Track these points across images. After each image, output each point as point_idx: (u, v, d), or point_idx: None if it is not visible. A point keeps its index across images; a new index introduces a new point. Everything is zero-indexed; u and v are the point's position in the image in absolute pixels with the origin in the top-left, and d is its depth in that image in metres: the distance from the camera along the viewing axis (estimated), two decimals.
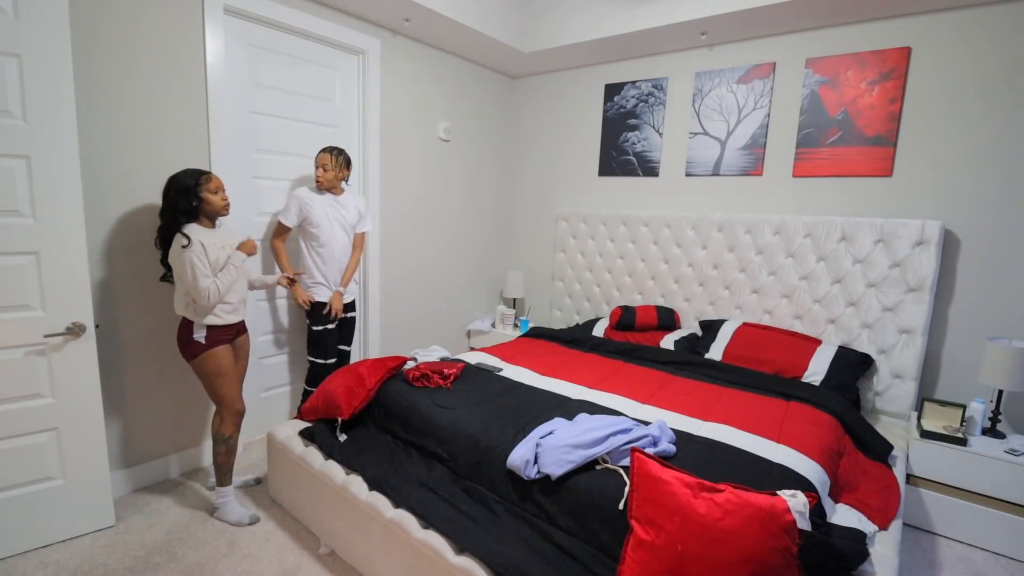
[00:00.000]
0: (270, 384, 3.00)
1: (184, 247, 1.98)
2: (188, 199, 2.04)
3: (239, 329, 2.26)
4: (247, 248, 2.21)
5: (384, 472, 1.93)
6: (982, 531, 2.21)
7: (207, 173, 2.10)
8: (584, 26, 3.28)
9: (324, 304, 2.69)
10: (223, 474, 2.21)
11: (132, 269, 2.30)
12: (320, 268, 2.69)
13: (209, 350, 2.11)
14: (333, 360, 2.78)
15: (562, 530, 1.59)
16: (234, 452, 2.23)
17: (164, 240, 2.08)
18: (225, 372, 2.15)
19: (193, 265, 1.98)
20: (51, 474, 1.99)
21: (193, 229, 2.04)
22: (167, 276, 2.15)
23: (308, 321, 2.72)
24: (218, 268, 2.08)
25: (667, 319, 3.28)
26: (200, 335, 2.09)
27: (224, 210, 2.15)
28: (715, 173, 3.28)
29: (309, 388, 2.76)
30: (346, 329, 2.90)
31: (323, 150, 2.66)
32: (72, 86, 1.86)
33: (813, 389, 2.43)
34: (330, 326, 2.72)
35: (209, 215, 2.12)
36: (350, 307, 2.89)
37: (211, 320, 2.10)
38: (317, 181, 2.65)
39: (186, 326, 2.10)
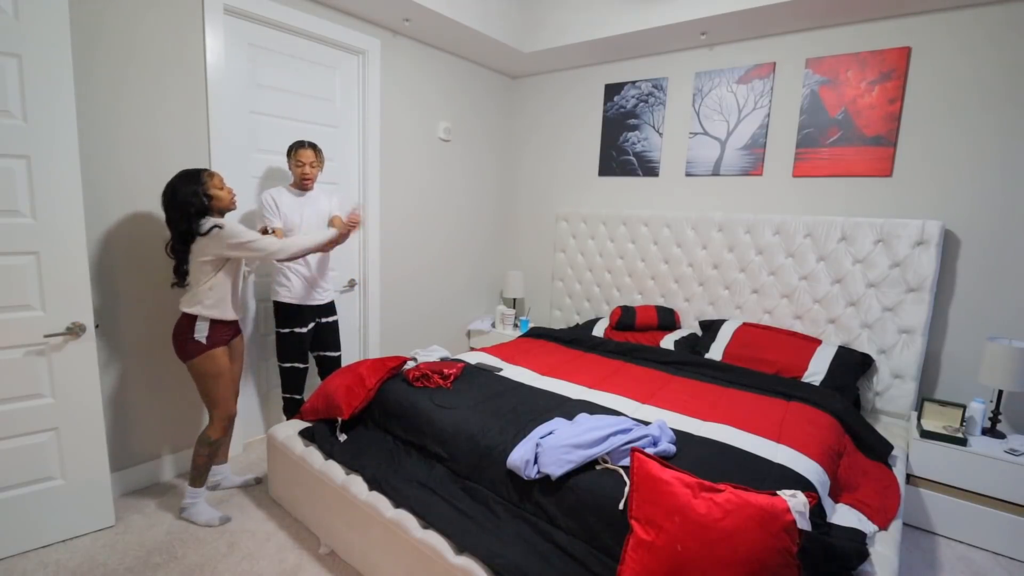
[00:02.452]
0: (269, 384, 3.00)
1: (220, 227, 2.00)
2: (199, 198, 2.02)
3: (236, 329, 2.26)
4: None
5: (384, 472, 1.93)
6: (982, 531, 2.21)
7: (206, 170, 2.08)
8: (584, 26, 3.28)
9: (291, 306, 2.57)
10: (199, 475, 2.18)
11: (132, 269, 2.30)
12: (292, 269, 2.54)
13: (208, 351, 2.10)
14: (306, 365, 2.67)
15: (562, 530, 1.59)
16: (216, 455, 2.22)
17: (180, 247, 2.04)
18: (222, 374, 2.14)
19: (245, 231, 2.04)
20: (51, 474, 1.99)
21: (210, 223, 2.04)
22: (178, 282, 2.11)
23: (276, 326, 2.61)
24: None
25: (667, 319, 3.28)
26: (201, 335, 2.08)
27: (233, 204, 2.15)
28: (715, 173, 3.28)
29: (287, 396, 2.67)
30: (328, 335, 2.74)
31: (302, 145, 2.51)
32: (72, 86, 1.86)
33: (813, 389, 2.43)
34: (299, 329, 2.59)
35: (219, 212, 2.11)
36: (329, 311, 2.73)
37: (214, 314, 2.09)
38: (305, 180, 2.53)
39: (186, 325, 2.08)
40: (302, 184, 2.56)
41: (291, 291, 2.56)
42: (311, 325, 2.65)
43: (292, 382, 2.65)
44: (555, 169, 4.07)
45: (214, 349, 2.11)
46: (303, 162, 2.52)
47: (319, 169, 2.59)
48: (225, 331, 2.17)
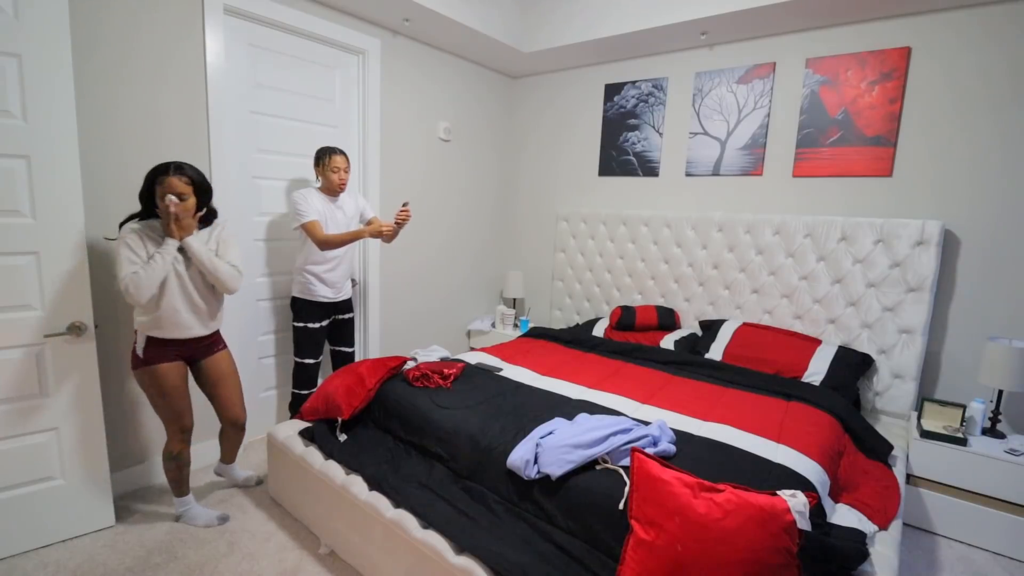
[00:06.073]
0: (270, 384, 3.00)
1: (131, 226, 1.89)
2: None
3: (206, 347, 2.09)
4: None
5: (384, 472, 1.93)
6: (982, 531, 2.21)
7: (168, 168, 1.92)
8: (584, 26, 3.28)
9: (307, 301, 2.64)
10: (178, 486, 2.13)
11: None
12: (315, 272, 2.63)
13: (148, 366, 1.95)
14: (317, 360, 2.73)
15: (562, 530, 1.59)
16: (188, 464, 2.12)
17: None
18: (166, 392, 1.98)
19: (127, 250, 1.84)
20: (51, 474, 1.99)
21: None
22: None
23: (292, 319, 2.68)
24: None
25: (667, 319, 3.28)
26: (139, 347, 1.95)
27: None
28: (715, 173, 3.28)
29: (296, 391, 2.71)
30: (344, 330, 2.87)
31: (335, 152, 2.61)
32: (72, 86, 1.86)
33: (813, 389, 2.43)
34: (312, 324, 2.66)
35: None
36: (346, 307, 2.85)
37: (152, 332, 1.93)
38: (340, 185, 2.62)
39: (134, 332, 1.99)
40: (338, 189, 2.65)
41: (307, 287, 2.64)
42: (326, 322, 2.73)
43: (303, 378, 2.71)
44: (555, 169, 4.06)
45: (156, 365, 1.96)
46: (339, 167, 2.61)
47: (348, 175, 2.68)
48: (173, 346, 1.99)
